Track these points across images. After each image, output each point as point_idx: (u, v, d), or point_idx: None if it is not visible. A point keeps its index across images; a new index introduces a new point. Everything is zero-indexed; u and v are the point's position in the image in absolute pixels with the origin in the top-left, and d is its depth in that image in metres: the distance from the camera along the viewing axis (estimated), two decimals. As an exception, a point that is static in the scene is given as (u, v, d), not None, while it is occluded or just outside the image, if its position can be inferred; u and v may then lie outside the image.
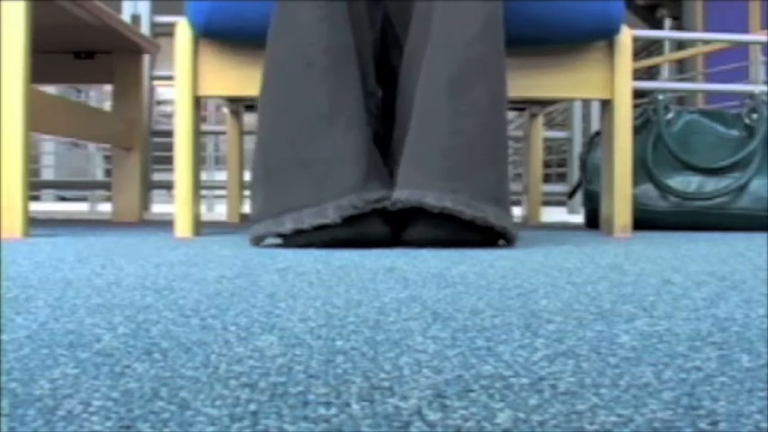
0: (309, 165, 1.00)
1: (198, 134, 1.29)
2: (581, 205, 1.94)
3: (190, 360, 0.36)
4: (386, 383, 0.32)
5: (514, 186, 2.11)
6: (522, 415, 0.28)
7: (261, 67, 1.09)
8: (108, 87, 2.23)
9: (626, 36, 1.31)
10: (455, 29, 1.04)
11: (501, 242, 1.04)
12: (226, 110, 2.08)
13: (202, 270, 0.72)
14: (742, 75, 3.25)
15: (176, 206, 1.27)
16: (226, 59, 1.28)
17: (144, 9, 2.10)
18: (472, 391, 0.31)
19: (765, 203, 1.58)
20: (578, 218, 2.12)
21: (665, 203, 1.60)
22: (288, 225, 0.99)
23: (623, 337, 0.41)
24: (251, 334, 0.42)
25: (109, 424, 0.26)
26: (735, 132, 1.63)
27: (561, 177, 3.56)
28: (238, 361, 0.36)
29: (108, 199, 2.62)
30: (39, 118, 1.27)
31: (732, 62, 3.41)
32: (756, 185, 1.59)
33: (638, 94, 1.85)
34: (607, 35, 1.29)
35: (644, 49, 4.69)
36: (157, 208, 2.30)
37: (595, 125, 2.40)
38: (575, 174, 2.22)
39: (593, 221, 1.61)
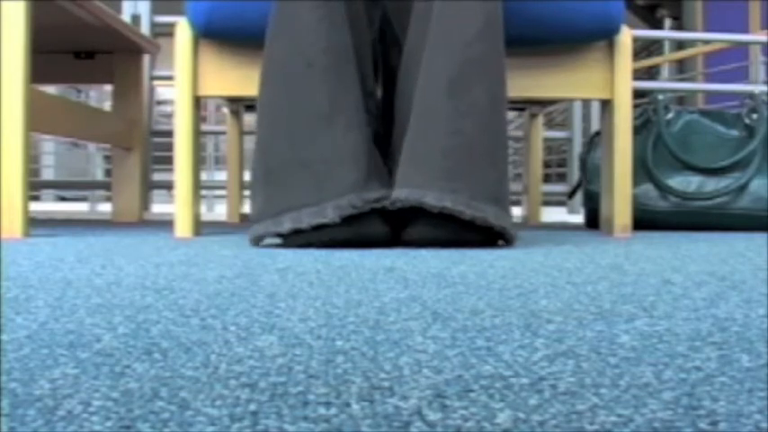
0: (309, 165, 1.00)
1: (198, 134, 1.29)
2: (581, 205, 1.94)
3: (190, 360, 0.36)
4: (386, 383, 0.32)
5: (514, 186, 2.11)
6: (522, 415, 0.28)
7: (260, 68, 1.09)
8: (108, 87, 2.23)
9: (626, 36, 1.31)
10: (454, 29, 1.04)
11: (500, 242, 1.04)
12: (226, 110, 2.08)
13: (202, 270, 0.72)
14: (742, 75, 3.25)
15: (176, 206, 1.27)
16: (226, 59, 1.28)
17: (144, 9, 2.10)
18: (472, 391, 0.31)
19: (765, 203, 1.58)
20: (578, 218, 2.12)
21: (665, 203, 1.60)
22: (286, 225, 0.99)
23: (623, 337, 0.41)
24: (251, 334, 0.42)
25: (109, 424, 0.26)
26: (735, 132, 1.63)
27: (561, 177, 3.56)
28: (238, 361, 0.36)
29: (108, 199, 2.62)
30: (39, 118, 1.26)
31: (732, 62, 3.41)
32: (756, 185, 1.59)
33: (638, 94, 1.85)
34: (607, 35, 1.29)
35: (644, 49, 4.69)
36: (157, 208, 2.30)
37: (595, 125, 2.40)
38: (575, 174, 2.22)
39: (593, 221, 1.61)
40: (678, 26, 4.89)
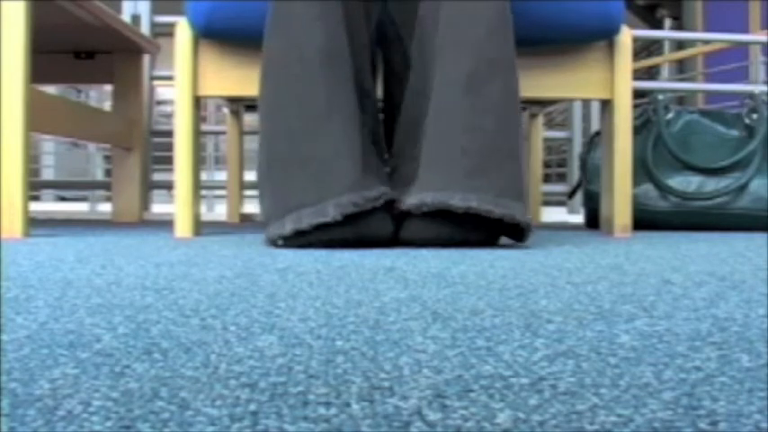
0: (308, 162, 1.00)
1: (198, 134, 1.29)
2: (581, 205, 1.94)
3: (190, 360, 0.36)
4: (386, 383, 0.32)
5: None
6: (522, 415, 0.28)
7: (260, 67, 1.09)
8: (108, 87, 2.23)
9: (626, 36, 1.31)
10: (466, 29, 1.03)
11: (501, 240, 1.04)
12: (226, 110, 2.08)
13: (202, 270, 0.72)
14: (742, 75, 3.25)
15: (176, 206, 1.27)
16: (226, 59, 1.28)
17: (144, 9, 2.10)
18: (472, 391, 0.31)
19: (765, 203, 1.58)
20: (578, 218, 2.12)
21: (665, 203, 1.60)
22: (288, 226, 0.98)
23: (623, 337, 0.41)
24: (251, 334, 0.42)
25: (109, 424, 0.26)
26: (735, 132, 1.63)
27: (561, 177, 3.56)
28: (238, 361, 0.36)
29: (108, 199, 2.62)
30: (39, 118, 1.27)
31: (732, 62, 3.41)
32: (756, 185, 1.59)
33: (638, 94, 1.85)
34: (607, 35, 1.29)
35: (644, 49, 4.69)
36: (157, 208, 2.30)
37: (595, 125, 2.40)
38: (575, 174, 2.22)
39: (593, 221, 1.61)
40: (678, 26, 4.88)
